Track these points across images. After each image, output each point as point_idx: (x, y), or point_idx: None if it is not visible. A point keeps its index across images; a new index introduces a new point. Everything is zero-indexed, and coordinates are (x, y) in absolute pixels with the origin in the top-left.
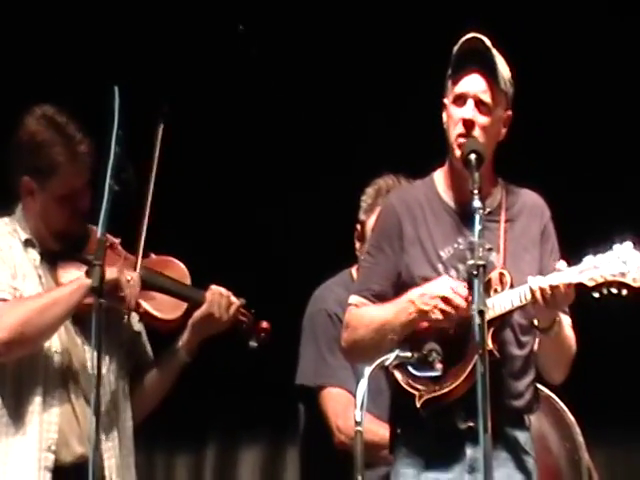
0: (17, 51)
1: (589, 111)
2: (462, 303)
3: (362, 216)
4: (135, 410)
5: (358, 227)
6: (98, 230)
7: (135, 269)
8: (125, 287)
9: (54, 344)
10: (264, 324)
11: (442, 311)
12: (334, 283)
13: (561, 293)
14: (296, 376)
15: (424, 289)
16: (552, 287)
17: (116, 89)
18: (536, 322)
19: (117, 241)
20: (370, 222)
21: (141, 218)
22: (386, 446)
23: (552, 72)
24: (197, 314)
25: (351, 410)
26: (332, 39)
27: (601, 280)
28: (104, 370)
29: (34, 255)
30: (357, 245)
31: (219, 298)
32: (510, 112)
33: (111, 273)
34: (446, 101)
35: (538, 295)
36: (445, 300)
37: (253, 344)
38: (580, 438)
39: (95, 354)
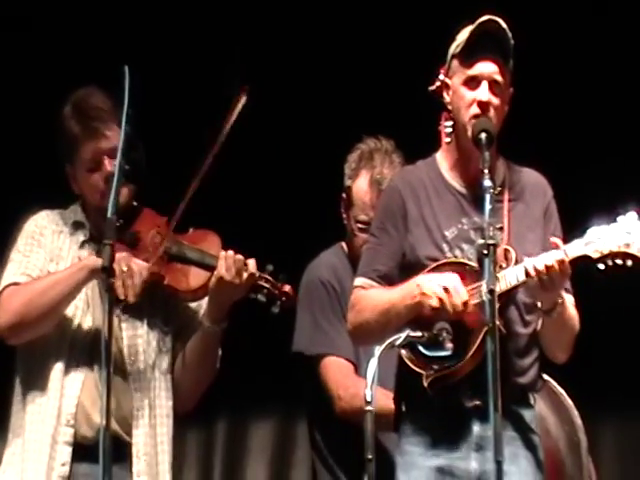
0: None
1: (585, 82)
2: (458, 304)
3: (347, 182)
4: (181, 387)
5: (344, 195)
6: (109, 209)
7: (154, 251)
8: (118, 277)
9: (85, 321)
10: (286, 288)
11: (440, 300)
12: (327, 254)
13: (556, 272)
14: (293, 343)
15: (432, 276)
16: (547, 267)
17: (126, 68)
18: (539, 304)
19: (163, 220)
20: (355, 187)
21: (185, 195)
22: (388, 414)
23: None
24: (212, 280)
25: (351, 379)
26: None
27: (606, 251)
28: (142, 347)
29: (80, 237)
30: (344, 215)
31: (230, 262)
32: (512, 89)
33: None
34: (451, 81)
35: (533, 275)
36: (446, 291)
37: (275, 310)
38: (579, 420)
39: (126, 334)
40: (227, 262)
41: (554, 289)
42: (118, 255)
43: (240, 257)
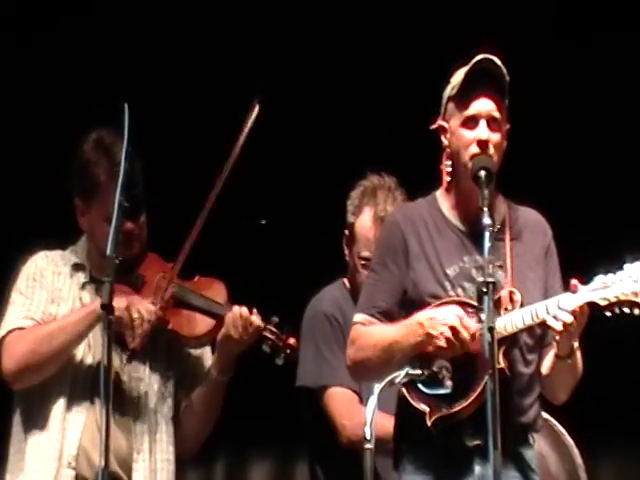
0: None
1: (579, 118)
2: (467, 338)
3: (350, 218)
4: (186, 433)
5: (346, 232)
6: (108, 247)
7: (161, 295)
8: (128, 325)
9: (86, 360)
10: (290, 341)
11: (447, 340)
12: (329, 289)
13: (580, 314)
14: (297, 378)
15: (434, 313)
16: (573, 312)
17: (126, 106)
18: (556, 350)
19: (169, 265)
20: (359, 223)
21: (189, 239)
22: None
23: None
24: (219, 335)
25: (356, 408)
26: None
27: (613, 299)
28: (143, 391)
29: (80, 279)
30: (346, 251)
31: (238, 321)
32: (509, 125)
33: (118, 304)
34: (448, 124)
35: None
36: (453, 330)
37: (278, 361)
38: (579, 459)
39: (131, 372)
40: (235, 321)
41: (577, 334)
42: (129, 299)
43: (246, 312)
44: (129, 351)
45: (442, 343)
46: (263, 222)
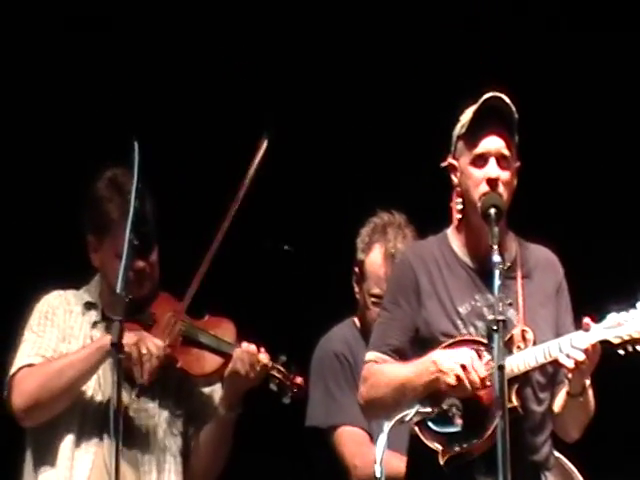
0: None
1: (601, 163)
2: (476, 380)
3: (360, 255)
4: (195, 473)
5: (356, 269)
6: (118, 285)
7: (169, 333)
8: (136, 361)
9: (96, 398)
10: (297, 380)
11: (457, 377)
12: (339, 327)
13: (592, 355)
14: (306, 418)
15: (448, 352)
16: (585, 351)
17: (136, 144)
18: (568, 388)
19: (180, 304)
20: (369, 260)
21: (196, 277)
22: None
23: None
24: (226, 371)
25: (367, 447)
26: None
27: (626, 337)
28: (152, 429)
29: (92, 317)
30: (356, 289)
31: (245, 356)
32: (519, 162)
33: (128, 340)
34: (458, 162)
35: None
36: (463, 369)
37: (285, 400)
38: None
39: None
40: (242, 357)
41: (590, 372)
42: (138, 334)
43: (254, 349)
44: (138, 387)
45: (451, 380)
46: (286, 248)
